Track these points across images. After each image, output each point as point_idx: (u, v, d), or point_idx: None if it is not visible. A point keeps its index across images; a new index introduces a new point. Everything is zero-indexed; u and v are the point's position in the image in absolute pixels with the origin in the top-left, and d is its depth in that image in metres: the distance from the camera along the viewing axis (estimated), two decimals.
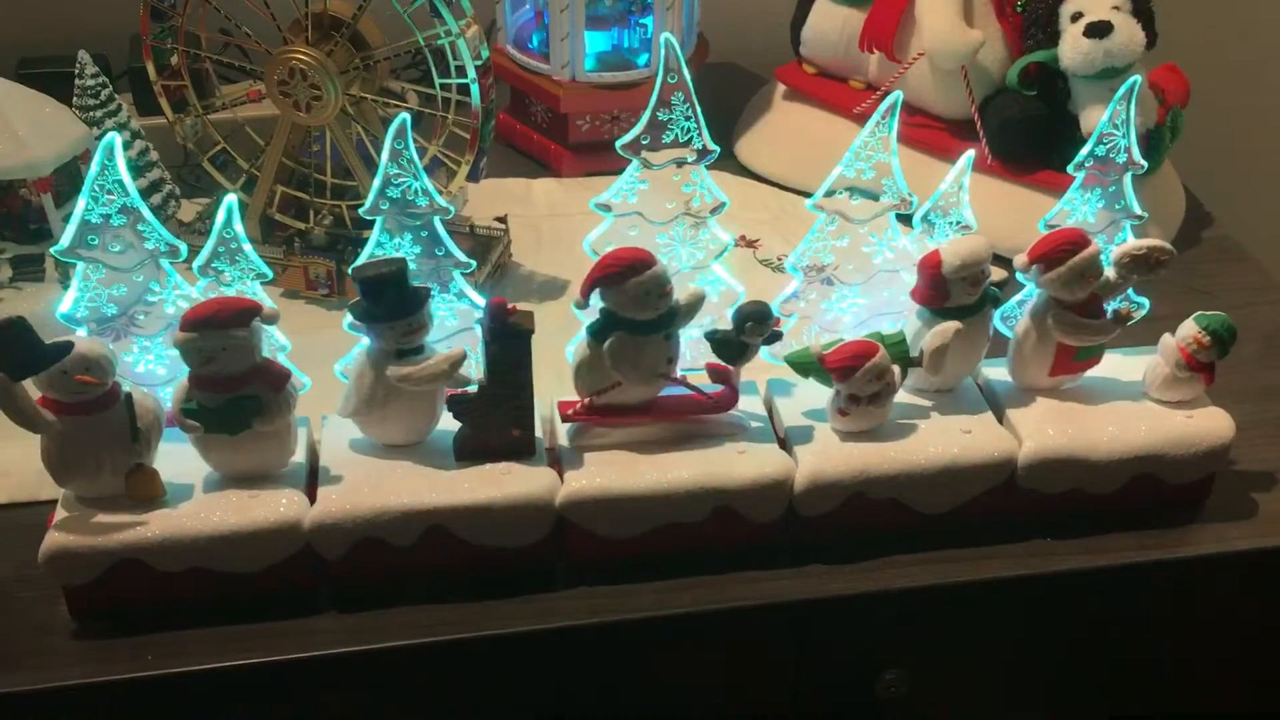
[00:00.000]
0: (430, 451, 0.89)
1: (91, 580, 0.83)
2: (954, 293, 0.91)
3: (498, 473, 0.88)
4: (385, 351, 0.85)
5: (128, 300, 0.87)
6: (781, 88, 1.39)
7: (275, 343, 0.88)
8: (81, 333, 0.86)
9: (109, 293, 0.86)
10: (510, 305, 0.85)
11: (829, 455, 0.91)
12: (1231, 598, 1.01)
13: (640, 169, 0.91)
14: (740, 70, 1.53)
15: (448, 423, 0.89)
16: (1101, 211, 0.97)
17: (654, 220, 0.93)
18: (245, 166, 1.16)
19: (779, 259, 1.22)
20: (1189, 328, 0.93)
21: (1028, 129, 1.21)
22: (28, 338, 0.77)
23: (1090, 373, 0.97)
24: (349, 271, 0.87)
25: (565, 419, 0.91)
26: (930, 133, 1.28)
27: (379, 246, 0.90)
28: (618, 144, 0.91)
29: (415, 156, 0.88)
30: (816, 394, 0.94)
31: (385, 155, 0.87)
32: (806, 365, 0.91)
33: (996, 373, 0.99)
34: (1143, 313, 1.01)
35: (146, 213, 0.84)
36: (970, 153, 0.94)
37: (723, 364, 0.91)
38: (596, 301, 0.87)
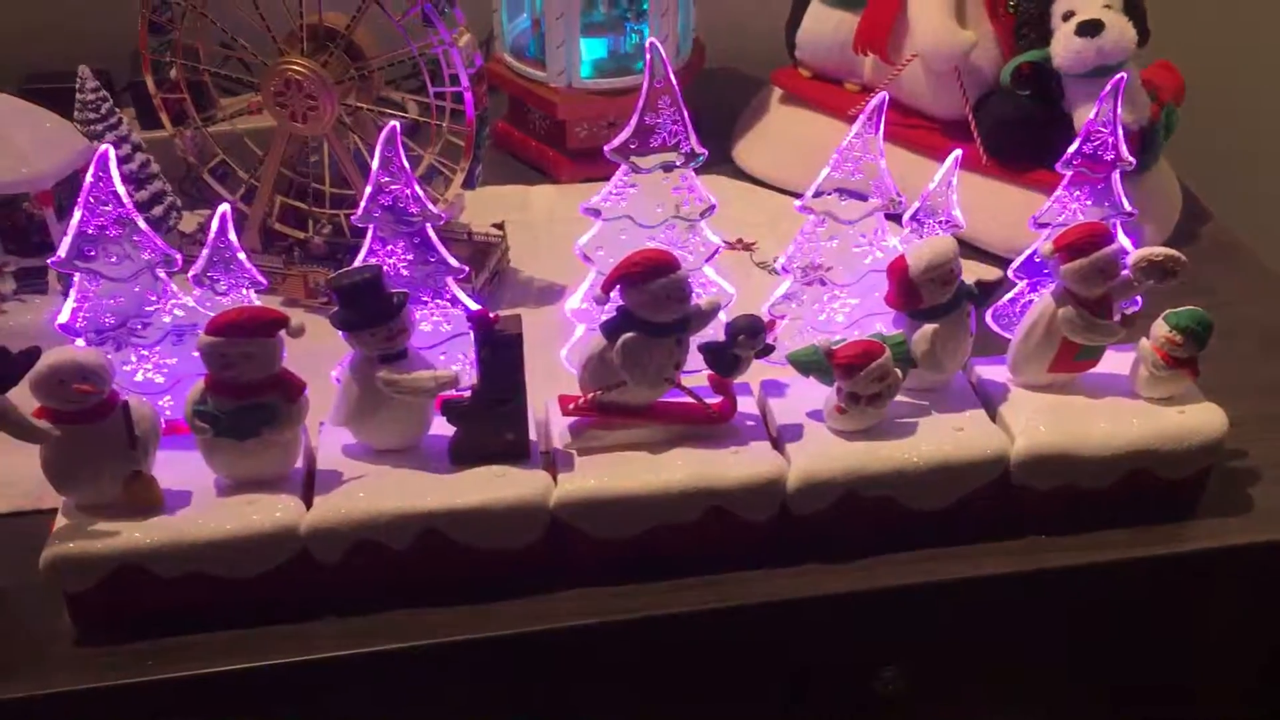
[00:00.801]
0: (425, 456, 0.90)
1: (92, 586, 0.84)
2: (926, 294, 0.91)
3: (492, 475, 0.89)
4: (369, 358, 0.86)
5: (125, 310, 0.88)
6: (778, 91, 1.40)
7: None
8: (79, 342, 0.87)
9: (106, 303, 0.87)
10: (493, 314, 0.86)
11: (821, 454, 0.92)
12: (1228, 592, 1.01)
13: (629, 173, 0.92)
14: (737, 74, 1.54)
15: (442, 427, 0.90)
16: (1091, 209, 0.97)
17: (643, 223, 0.94)
18: (245, 177, 1.17)
19: (775, 261, 1.22)
20: (1160, 328, 0.93)
21: (1022, 129, 1.22)
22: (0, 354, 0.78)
23: None
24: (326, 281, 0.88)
25: (566, 413, 0.92)
26: (925, 133, 1.28)
27: (372, 254, 0.91)
28: (606, 149, 0.91)
29: (406, 164, 0.89)
30: (809, 395, 0.94)
31: (376, 163, 0.88)
32: (809, 362, 0.91)
33: (989, 370, 0.99)
34: (1135, 309, 1.01)
35: (141, 223, 0.86)
36: (957, 153, 0.94)
37: None
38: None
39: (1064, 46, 1.17)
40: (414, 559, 0.88)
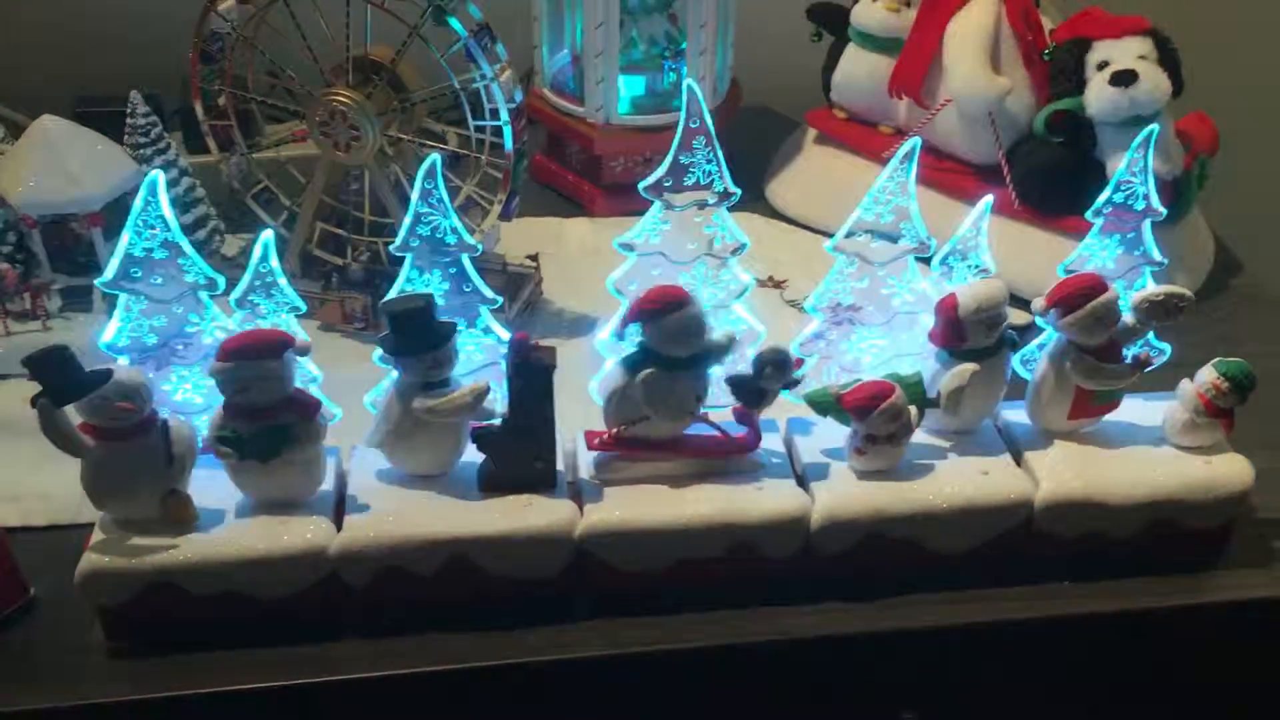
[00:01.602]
0: (454, 482, 0.92)
1: (125, 601, 0.86)
2: (971, 335, 0.92)
3: (520, 504, 0.90)
4: (412, 384, 0.88)
5: (167, 331, 0.90)
6: (812, 132, 1.42)
7: (306, 374, 0.91)
8: (123, 361, 0.89)
9: (149, 323, 0.90)
10: (534, 341, 0.87)
11: (846, 493, 0.92)
12: (1251, 644, 1.01)
13: (662, 210, 0.94)
14: (772, 114, 1.56)
15: (472, 454, 0.91)
16: (1121, 257, 0.97)
17: (676, 260, 0.95)
18: (287, 204, 1.20)
19: (805, 299, 1.24)
20: (1208, 373, 0.94)
21: (1054, 175, 1.22)
22: (71, 365, 0.80)
23: (1109, 417, 0.98)
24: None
25: (591, 448, 0.93)
26: (958, 177, 1.29)
27: (409, 282, 0.93)
28: (640, 186, 0.93)
29: (445, 195, 0.90)
30: (835, 432, 0.95)
31: (416, 194, 0.90)
32: (825, 404, 0.92)
33: (1015, 414, 1.00)
34: (1164, 358, 1.01)
35: (187, 247, 0.88)
36: (989, 197, 0.95)
37: None
38: (632, 341, 0.89)
39: (1098, 96, 1.18)
40: (440, 584, 0.89)
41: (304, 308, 0.91)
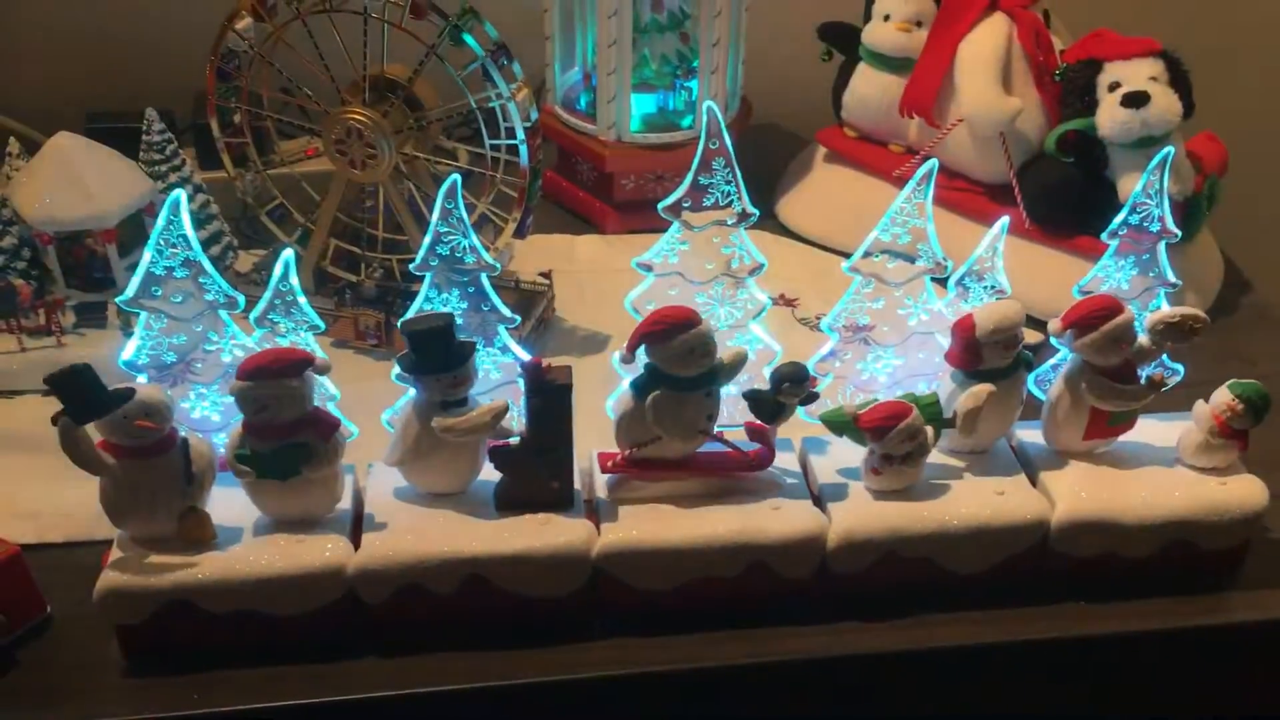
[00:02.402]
0: (471, 501, 0.92)
1: (143, 619, 0.86)
2: (987, 356, 0.92)
3: (536, 523, 0.90)
4: (431, 403, 0.88)
5: (186, 349, 0.91)
6: (822, 150, 1.42)
7: (325, 391, 0.91)
8: (142, 379, 0.90)
9: (169, 341, 0.90)
10: (546, 364, 0.87)
11: (862, 513, 0.92)
12: (1267, 665, 1.01)
13: (681, 230, 0.94)
14: (782, 132, 1.57)
15: (489, 473, 0.91)
16: (1136, 278, 0.98)
17: (694, 280, 0.95)
18: (301, 220, 1.20)
19: (816, 318, 1.24)
20: (1223, 395, 0.94)
21: (1065, 195, 1.23)
22: (92, 384, 0.80)
23: (1124, 437, 0.98)
24: (398, 324, 0.90)
25: (605, 470, 0.93)
26: (969, 197, 1.30)
27: (427, 301, 0.93)
28: (660, 206, 0.93)
29: (465, 215, 0.91)
30: (850, 452, 0.95)
31: (436, 213, 0.90)
32: (841, 424, 0.93)
33: (1030, 435, 1.00)
34: (1177, 379, 1.02)
35: (208, 266, 0.88)
36: (1005, 219, 0.96)
37: (760, 423, 0.93)
38: (642, 358, 0.89)
39: (1109, 117, 1.19)
40: (457, 602, 0.89)
41: (323, 326, 0.91)
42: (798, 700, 0.96)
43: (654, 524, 0.91)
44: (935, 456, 0.95)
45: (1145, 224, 0.96)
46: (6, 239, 1.13)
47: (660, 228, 0.95)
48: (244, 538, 0.89)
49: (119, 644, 0.88)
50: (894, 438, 0.90)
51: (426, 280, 0.93)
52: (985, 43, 1.25)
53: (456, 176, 0.90)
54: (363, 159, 1.11)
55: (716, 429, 0.93)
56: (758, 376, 0.96)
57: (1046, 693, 1.00)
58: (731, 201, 0.93)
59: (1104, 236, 0.97)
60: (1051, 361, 1.02)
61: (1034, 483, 0.97)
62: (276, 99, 1.17)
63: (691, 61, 1.37)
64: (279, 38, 1.11)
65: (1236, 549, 0.97)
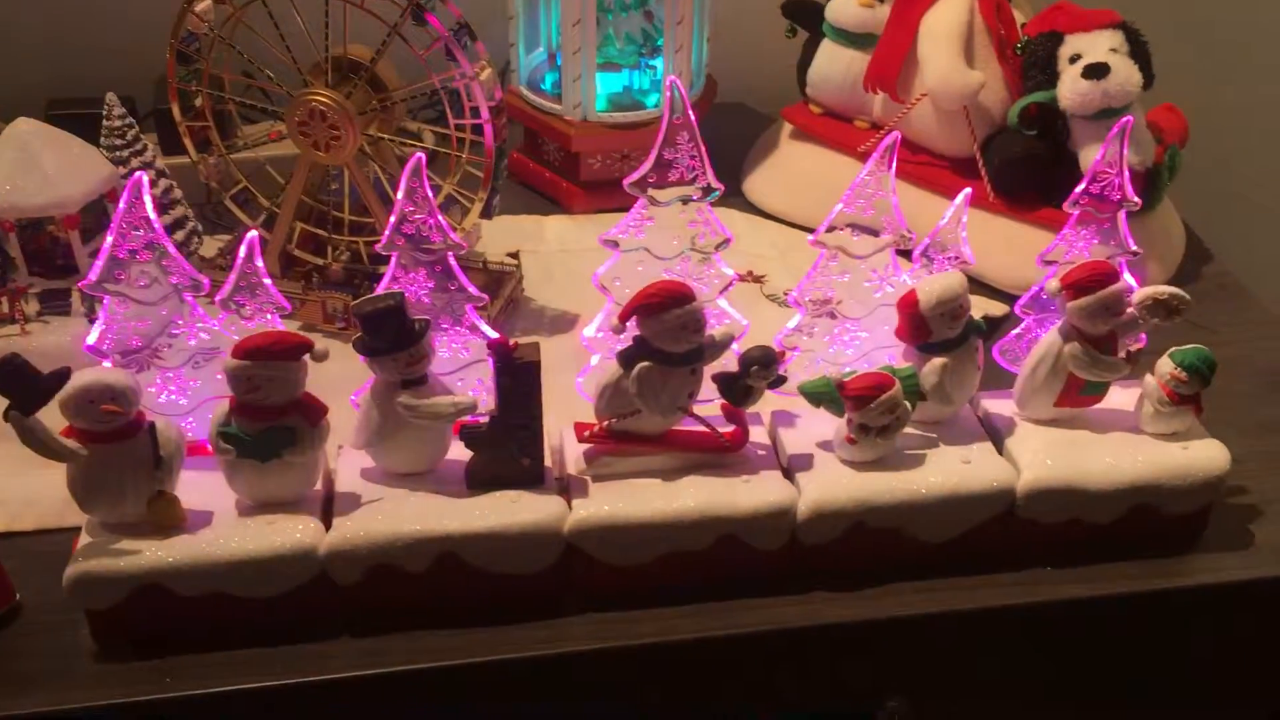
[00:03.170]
0: (442, 480, 0.92)
1: (113, 604, 0.86)
2: (935, 328, 0.93)
3: (508, 500, 0.90)
4: (390, 383, 0.88)
5: (151, 333, 0.90)
6: (788, 127, 1.42)
7: None
8: (106, 364, 0.89)
9: (133, 325, 0.89)
10: (512, 342, 0.88)
11: (831, 485, 0.93)
12: (1227, 627, 1.02)
13: (647, 206, 0.94)
14: (748, 110, 1.57)
15: (459, 452, 0.91)
16: (1097, 248, 0.99)
17: (660, 255, 0.96)
18: (266, 204, 1.19)
19: (784, 293, 1.24)
20: (1165, 365, 0.95)
21: (1028, 167, 1.24)
22: (24, 372, 0.79)
23: None
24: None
25: (581, 439, 0.93)
26: (933, 170, 1.31)
27: (394, 281, 0.93)
28: (625, 182, 0.94)
29: (430, 194, 0.91)
30: (819, 425, 0.96)
31: (401, 193, 0.90)
32: (821, 393, 0.93)
33: (996, 404, 1.01)
34: (1139, 346, 1.02)
35: (171, 248, 0.88)
36: (967, 191, 0.97)
37: None
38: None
39: (1070, 89, 1.20)
40: (430, 581, 0.89)
41: (288, 308, 0.91)
42: (770, 670, 0.97)
43: (625, 499, 0.91)
44: None
45: (1106, 193, 0.97)
46: None
47: (627, 206, 0.95)
48: (215, 521, 0.88)
49: (90, 630, 0.88)
50: (875, 409, 0.91)
51: (393, 261, 0.93)
52: (947, 17, 1.26)
53: (421, 155, 0.90)
54: (326, 141, 1.10)
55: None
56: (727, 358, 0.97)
57: (1016, 658, 1.01)
58: (696, 176, 0.93)
59: (1066, 206, 0.98)
60: (1015, 332, 1.03)
61: (1000, 451, 0.98)
62: (238, 82, 1.17)
63: (656, 40, 1.37)
64: (239, 20, 1.10)
65: (1200, 512, 0.98)
